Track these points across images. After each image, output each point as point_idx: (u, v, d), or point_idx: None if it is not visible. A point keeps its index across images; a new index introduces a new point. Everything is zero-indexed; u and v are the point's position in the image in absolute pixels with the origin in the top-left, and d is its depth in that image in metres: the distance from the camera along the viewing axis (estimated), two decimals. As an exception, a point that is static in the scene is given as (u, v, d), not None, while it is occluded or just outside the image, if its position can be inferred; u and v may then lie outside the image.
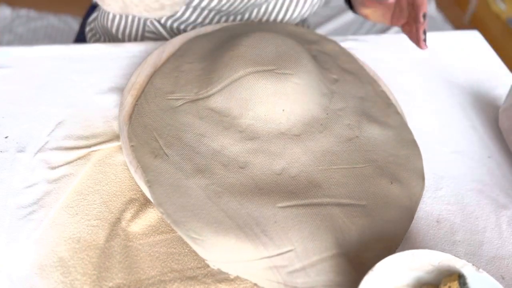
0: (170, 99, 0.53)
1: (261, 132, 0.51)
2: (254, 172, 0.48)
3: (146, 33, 0.74)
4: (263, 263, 0.42)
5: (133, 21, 0.73)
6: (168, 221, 0.44)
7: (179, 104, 0.53)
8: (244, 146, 0.50)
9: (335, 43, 0.67)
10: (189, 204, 0.44)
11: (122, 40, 0.76)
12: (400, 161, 0.54)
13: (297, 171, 0.49)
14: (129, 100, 0.54)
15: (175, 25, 0.72)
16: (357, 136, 0.54)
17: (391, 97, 0.62)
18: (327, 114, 0.55)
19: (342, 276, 0.43)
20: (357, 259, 0.44)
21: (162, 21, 0.72)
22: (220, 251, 0.42)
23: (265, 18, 0.72)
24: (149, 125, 0.50)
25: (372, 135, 0.55)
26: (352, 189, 0.49)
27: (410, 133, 0.58)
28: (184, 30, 0.73)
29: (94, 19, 0.81)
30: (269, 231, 0.43)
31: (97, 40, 0.81)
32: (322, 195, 0.48)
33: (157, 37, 0.74)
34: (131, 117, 0.52)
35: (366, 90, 0.61)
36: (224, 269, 0.43)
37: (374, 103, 0.59)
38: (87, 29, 0.83)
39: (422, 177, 0.53)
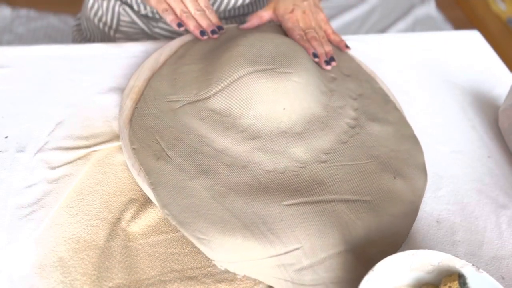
0: (170, 101, 0.53)
1: (262, 132, 0.51)
2: (258, 171, 0.48)
3: (121, 22, 0.75)
4: (271, 261, 0.42)
5: (107, 8, 0.75)
6: (174, 223, 0.43)
7: (178, 106, 0.53)
8: (246, 145, 0.50)
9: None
10: (194, 205, 0.44)
11: (102, 29, 0.77)
12: (401, 156, 0.54)
13: (300, 169, 0.49)
14: (129, 103, 0.54)
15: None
16: (357, 133, 0.55)
17: (388, 94, 0.63)
18: (327, 112, 0.55)
19: (350, 273, 0.43)
20: (363, 254, 0.44)
21: (135, 6, 0.73)
22: (227, 251, 0.42)
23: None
24: (150, 128, 0.50)
25: (372, 132, 0.55)
26: (356, 185, 0.49)
27: (410, 128, 0.58)
28: (157, 13, 0.72)
29: (80, 17, 0.84)
30: (276, 229, 0.44)
31: (81, 36, 0.84)
32: (326, 192, 0.48)
33: (132, 27, 0.75)
34: (131, 120, 0.52)
35: (364, 88, 0.61)
36: (231, 269, 0.42)
37: (372, 100, 0.60)
38: (74, 24, 0.86)
39: (424, 171, 0.54)
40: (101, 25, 0.77)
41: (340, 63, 0.64)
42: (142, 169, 0.47)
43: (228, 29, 0.66)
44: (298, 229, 0.44)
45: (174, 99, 0.54)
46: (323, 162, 0.51)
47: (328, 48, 0.63)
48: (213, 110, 0.52)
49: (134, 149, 0.49)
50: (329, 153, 0.52)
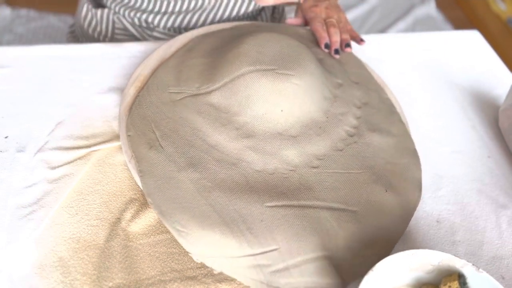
0: (172, 92, 0.54)
1: (257, 131, 0.51)
2: (247, 170, 0.48)
3: (116, 30, 0.75)
4: (247, 260, 0.42)
5: (101, 17, 0.74)
6: (156, 212, 0.44)
7: (179, 98, 0.53)
8: (240, 143, 0.50)
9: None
10: (178, 197, 0.45)
11: (97, 39, 0.77)
12: (398, 169, 0.53)
13: (290, 172, 0.49)
14: (132, 91, 0.55)
15: (138, 15, 0.72)
16: (355, 142, 0.54)
17: (396, 106, 0.61)
18: (327, 117, 0.54)
19: (326, 279, 0.43)
20: (343, 263, 0.44)
21: (128, 18, 0.73)
22: (204, 245, 0.42)
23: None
24: (148, 116, 0.51)
25: (371, 142, 0.54)
26: (345, 194, 0.49)
27: (412, 142, 0.57)
28: (151, 23, 0.72)
29: (74, 24, 0.84)
30: (255, 229, 0.44)
31: (76, 42, 0.83)
32: (312, 197, 0.47)
33: (127, 34, 0.75)
34: (131, 107, 0.52)
35: (371, 97, 0.60)
36: (208, 263, 0.43)
37: (377, 110, 0.59)
38: (68, 31, 0.85)
39: (419, 188, 0.52)
40: (95, 34, 0.76)
41: (350, 70, 0.63)
42: (134, 156, 0.48)
43: (241, 26, 0.66)
44: (277, 231, 0.44)
45: (176, 91, 0.54)
46: (314, 167, 0.50)
47: (346, 36, 0.65)
48: (212, 105, 0.52)
49: (129, 135, 0.50)
50: (322, 159, 0.51)
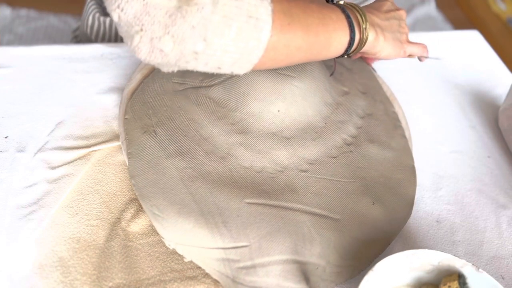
0: (175, 82, 0.55)
1: (251, 128, 0.51)
2: (234, 165, 0.49)
3: None
4: (217, 253, 0.43)
5: (111, 25, 0.72)
6: (136, 194, 0.45)
7: (182, 89, 0.54)
8: (232, 138, 0.50)
9: (358, 58, 0.65)
10: (161, 182, 0.46)
11: None
12: (390, 184, 0.52)
13: (278, 172, 0.49)
14: (138, 77, 0.56)
15: None
16: (351, 151, 0.53)
17: (402, 120, 0.60)
18: (325, 123, 0.54)
19: (292, 283, 0.42)
20: (314, 271, 0.43)
21: None
22: (178, 232, 0.43)
23: None
24: (148, 103, 0.52)
25: (367, 153, 0.54)
26: (329, 201, 0.48)
27: (411, 159, 0.56)
28: None
29: (77, 28, 0.83)
30: (230, 223, 0.44)
31: None
32: (295, 200, 0.47)
33: None
34: (134, 92, 0.54)
35: (376, 108, 0.59)
36: (179, 251, 0.43)
37: (381, 122, 0.58)
38: (72, 36, 0.84)
39: (410, 205, 0.51)
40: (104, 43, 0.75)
41: (360, 80, 0.62)
42: (127, 138, 0.49)
43: None
44: (251, 228, 0.44)
45: (179, 81, 0.55)
46: (303, 171, 0.50)
47: None
48: (212, 99, 0.53)
49: (126, 118, 0.51)
50: (313, 164, 0.51)
